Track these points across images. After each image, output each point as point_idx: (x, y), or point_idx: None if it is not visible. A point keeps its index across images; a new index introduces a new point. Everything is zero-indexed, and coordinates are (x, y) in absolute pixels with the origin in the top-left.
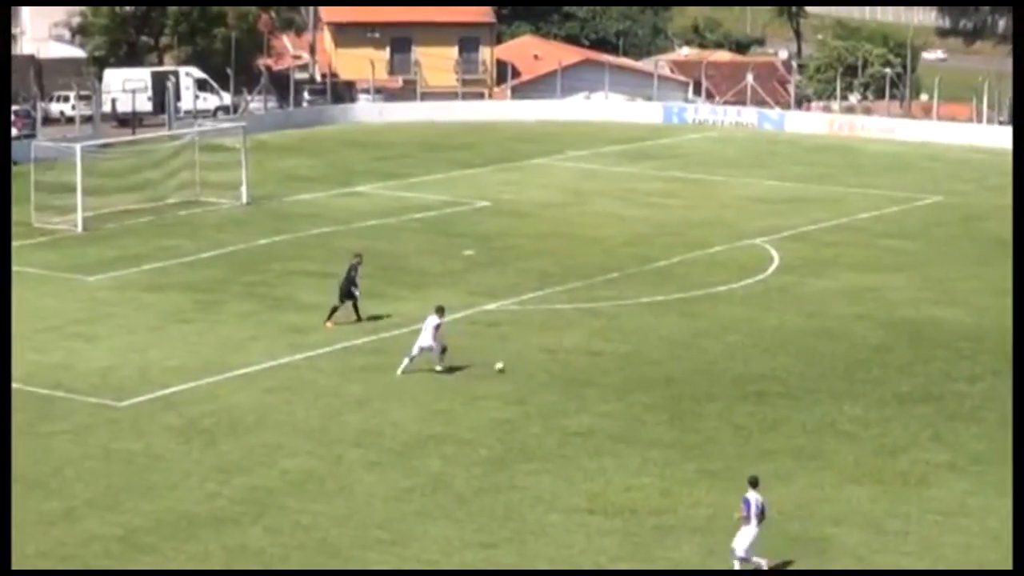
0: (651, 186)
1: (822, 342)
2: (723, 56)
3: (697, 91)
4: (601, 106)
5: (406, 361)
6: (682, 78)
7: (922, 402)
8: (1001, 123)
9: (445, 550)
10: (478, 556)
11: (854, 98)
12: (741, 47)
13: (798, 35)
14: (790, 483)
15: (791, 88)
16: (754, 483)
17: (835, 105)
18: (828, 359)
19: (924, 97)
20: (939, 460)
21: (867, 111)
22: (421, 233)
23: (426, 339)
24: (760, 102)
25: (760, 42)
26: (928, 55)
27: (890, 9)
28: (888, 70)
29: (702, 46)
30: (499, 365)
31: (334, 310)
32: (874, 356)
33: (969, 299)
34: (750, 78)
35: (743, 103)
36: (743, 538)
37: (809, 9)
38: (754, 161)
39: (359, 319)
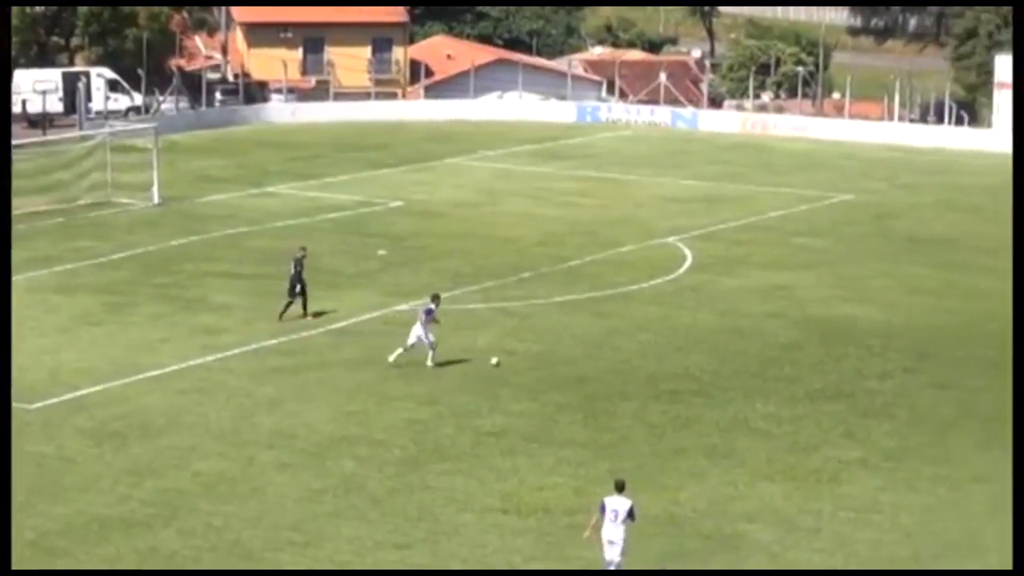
0: (564, 185)
1: (734, 340)
2: (636, 55)
3: (610, 90)
4: (514, 106)
5: (399, 351)
6: (595, 77)
7: (834, 399)
8: (912, 121)
9: (358, 551)
10: (391, 557)
11: (767, 97)
12: (654, 46)
13: (711, 34)
14: (703, 481)
15: (704, 87)
16: (619, 487)
17: (748, 104)
18: (740, 357)
19: (836, 95)
20: (851, 457)
21: (780, 110)
22: (334, 233)
23: (418, 328)
24: (673, 101)
25: (673, 41)
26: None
27: (802, 8)
28: (800, 69)
29: (615, 45)
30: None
31: (287, 306)
32: (786, 354)
33: (880, 297)
34: (663, 77)
35: (656, 102)
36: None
37: (722, 8)
38: (667, 160)
39: (305, 314)
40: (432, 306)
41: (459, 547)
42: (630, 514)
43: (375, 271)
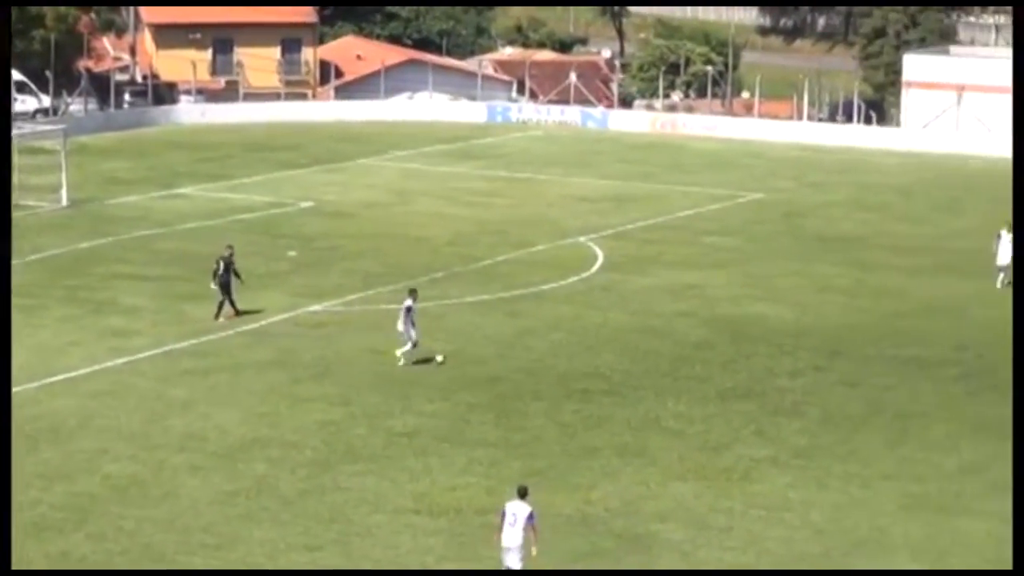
0: (475, 185)
1: (646, 339)
2: (546, 56)
3: (521, 90)
4: (425, 106)
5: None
6: (506, 77)
7: (745, 398)
8: (821, 120)
9: (270, 553)
10: (303, 559)
11: (676, 96)
12: (564, 47)
13: (620, 34)
14: (615, 480)
15: (614, 87)
16: (521, 493)
17: (658, 104)
18: (652, 356)
19: (746, 95)
20: (761, 455)
21: (689, 109)
22: (244, 234)
23: (399, 323)
24: (583, 101)
25: (583, 42)
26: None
27: (711, 8)
28: (710, 68)
29: (525, 46)
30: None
31: (220, 305)
32: (697, 353)
33: (789, 295)
34: (573, 77)
35: (567, 102)
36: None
37: (631, 8)
38: (578, 160)
39: (236, 313)
40: (410, 302)
41: (371, 548)
42: (529, 520)
43: (286, 272)
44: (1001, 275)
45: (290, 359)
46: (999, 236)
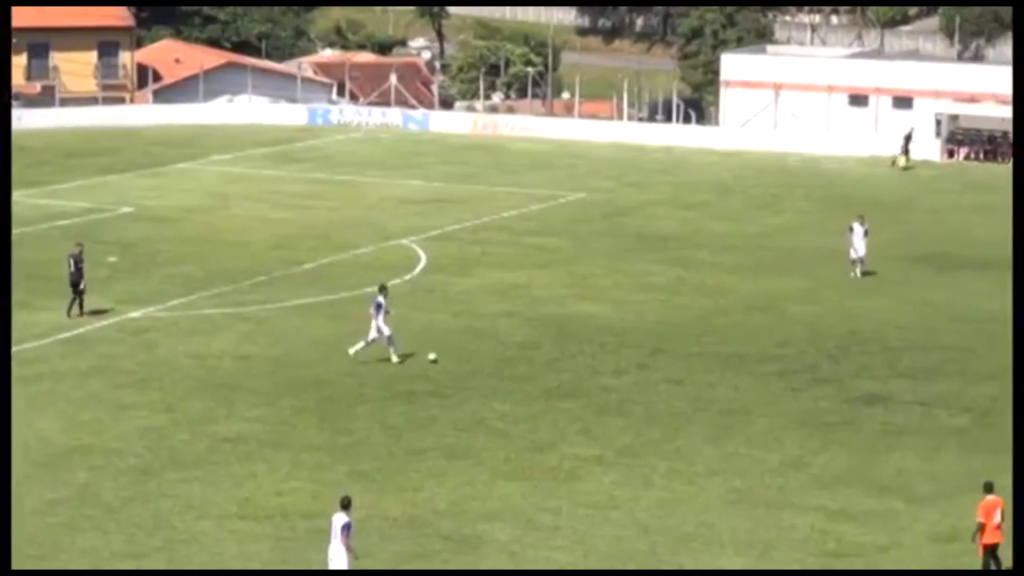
0: (297, 188)
1: (470, 340)
2: (366, 57)
3: (341, 92)
4: (245, 109)
5: (360, 344)
6: (326, 80)
7: (570, 397)
8: (641, 120)
9: (93, 562)
10: (128, 567)
11: (497, 97)
12: (384, 48)
13: (440, 36)
14: (442, 481)
15: (435, 88)
16: (342, 504)
17: (479, 105)
18: (477, 357)
19: (566, 95)
20: (587, 454)
21: (510, 110)
22: (63, 241)
23: (375, 322)
24: (404, 103)
25: (403, 43)
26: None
27: (530, 8)
28: (530, 69)
29: (345, 48)
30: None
31: (72, 303)
32: (521, 353)
33: (612, 294)
34: (393, 79)
35: (387, 104)
36: (339, 559)
37: (450, 9)
38: (400, 162)
39: (81, 313)
40: (380, 299)
41: (196, 555)
42: (343, 531)
43: (106, 278)
44: (855, 267)
45: (112, 366)
46: (851, 229)
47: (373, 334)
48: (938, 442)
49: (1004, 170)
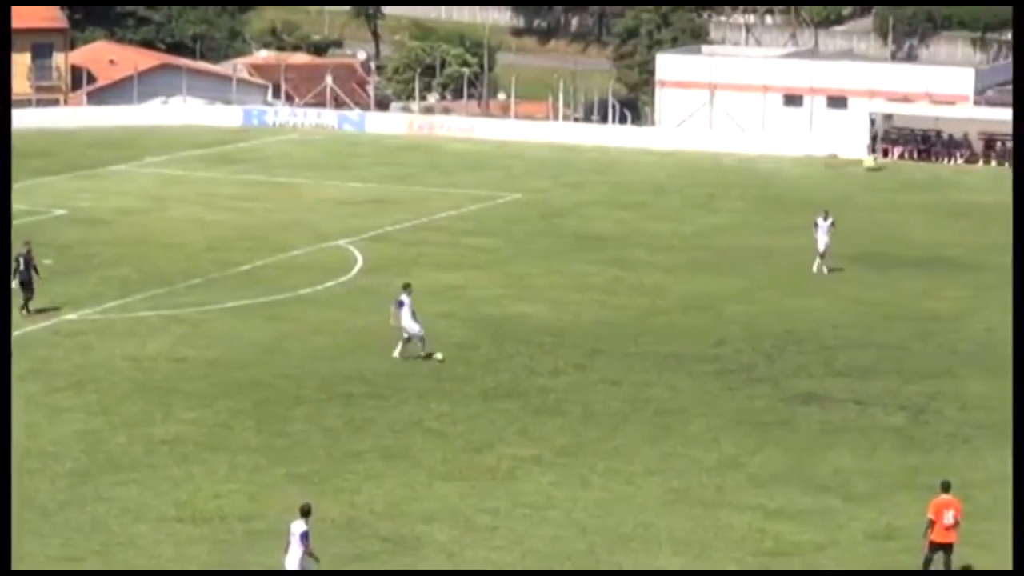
0: (232, 190)
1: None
2: (302, 58)
3: (276, 94)
4: (179, 111)
5: (415, 345)
6: (261, 81)
7: (507, 397)
8: (577, 120)
9: (30, 566)
10: (65, 571)
11: (433, 98)
12: (319, 49)
13: (376, 36)
14: (380, 483)
15: (371, 89)
16: (301, 511)
17: (414, 106)
18: (414, 358)
19: (502, 96)
20: (525, 454)
21: (446, 111)
22: None
23: (404, 320)
24: (340, 104)
25: (338, 44)
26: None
27: (465, 8)
28: (466, 70)
29: (280, 49)
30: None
31: (28, 301)
32: (459, 353)
33: (548, 294)
34: (329, 80)
35: (323, 105)
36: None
37: (385, 10)
38: (336, 163)
39: (27, 311)
40: (404, 296)
41: (134, 558)
42: (301, 540)
43: (41, 281)
44: (818, 260)
45: (47, 368)
46: (816, 224)
47: (417, 329)
48: (874, 440)
49: (938, 169)
